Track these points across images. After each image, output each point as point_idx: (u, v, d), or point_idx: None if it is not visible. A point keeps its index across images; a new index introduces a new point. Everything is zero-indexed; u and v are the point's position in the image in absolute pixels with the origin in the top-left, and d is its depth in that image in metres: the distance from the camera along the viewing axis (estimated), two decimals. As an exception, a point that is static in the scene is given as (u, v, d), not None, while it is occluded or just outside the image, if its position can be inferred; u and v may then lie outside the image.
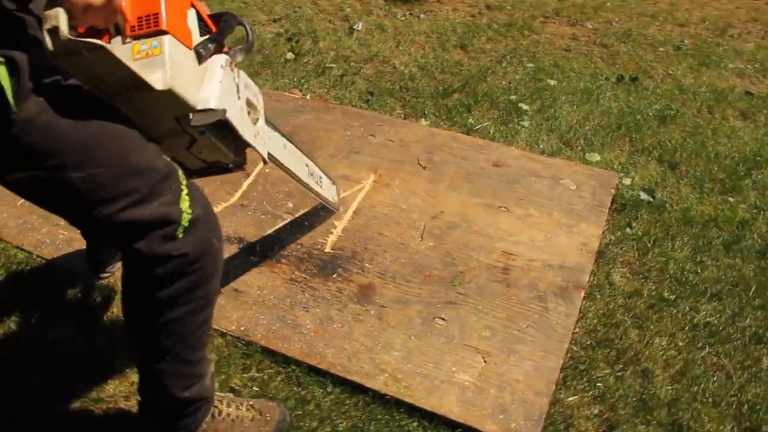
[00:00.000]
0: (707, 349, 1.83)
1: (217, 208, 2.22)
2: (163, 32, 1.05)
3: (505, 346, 1.77)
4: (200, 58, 1.15)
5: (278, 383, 1.68)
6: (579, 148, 2.67)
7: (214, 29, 1.23)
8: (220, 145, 1.25)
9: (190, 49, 1.14)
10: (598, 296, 1.97)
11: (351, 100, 2.94)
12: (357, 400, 1.65)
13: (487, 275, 2.00)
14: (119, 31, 1.05)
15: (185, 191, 1.16)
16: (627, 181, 2.46)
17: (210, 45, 1.17)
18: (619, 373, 1.75)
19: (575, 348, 1.81)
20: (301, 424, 1.59)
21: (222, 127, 1.21)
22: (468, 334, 1.81)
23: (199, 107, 1.13)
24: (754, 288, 2.03)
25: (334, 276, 1.98)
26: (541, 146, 2.66)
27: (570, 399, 1.67)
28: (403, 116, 2.86)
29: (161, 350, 1.27)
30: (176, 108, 1.11)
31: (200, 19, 1.21)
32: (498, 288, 1.95)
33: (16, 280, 1.99)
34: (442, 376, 1.69)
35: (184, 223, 1.14)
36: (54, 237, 2.11)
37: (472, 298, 1.91)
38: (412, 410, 1.62)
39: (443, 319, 1.85)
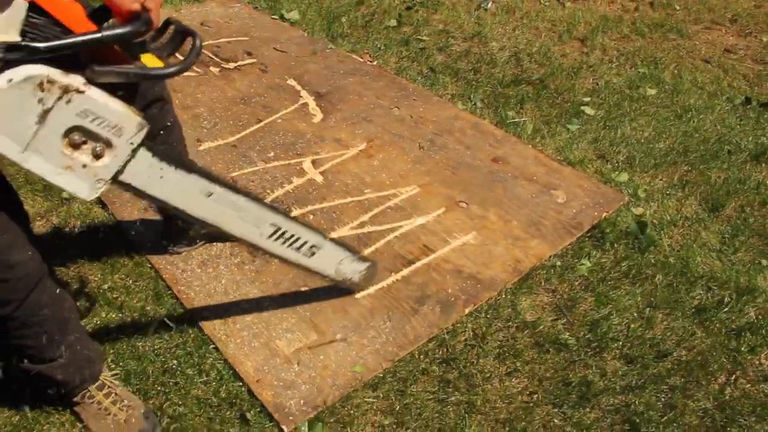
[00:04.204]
0: (561, 408, 1.54)
1: (213, 143, 2.41)
2: None
3: (345, 332, 1.70)
4: None
5: (139, 296, 1.82)
6: (612, 165, 2.31)
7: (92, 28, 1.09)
8: None
9: None
10: (486, 316, 1.75)
11: (410, 73, 2.89)
12: (184, 329, 1.71)
13: (387, 261, 1.89)
14: None
15: None
16: (637, 211, 2.09)
17: None
18: (442, 397, 1.57)
19: (419, 357, 1.65)
20: (126, 335, 1.72)
21: None
22: (322, 309, 1.76)
23: None
24: (685, 365, 1.63)
25: (253, 223, 2.05)
26: (568, 153, 2.36)
27: (368, 401, 1.55)
28: (449, 96, 2.73)
29: None
30: None
31: (49, 15, 1.06)
32: (387, 276, 1.85)
33: None
34: (265, 338, 1.68)
35: None
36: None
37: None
38: (219, 354, 1.65)
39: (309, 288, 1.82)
